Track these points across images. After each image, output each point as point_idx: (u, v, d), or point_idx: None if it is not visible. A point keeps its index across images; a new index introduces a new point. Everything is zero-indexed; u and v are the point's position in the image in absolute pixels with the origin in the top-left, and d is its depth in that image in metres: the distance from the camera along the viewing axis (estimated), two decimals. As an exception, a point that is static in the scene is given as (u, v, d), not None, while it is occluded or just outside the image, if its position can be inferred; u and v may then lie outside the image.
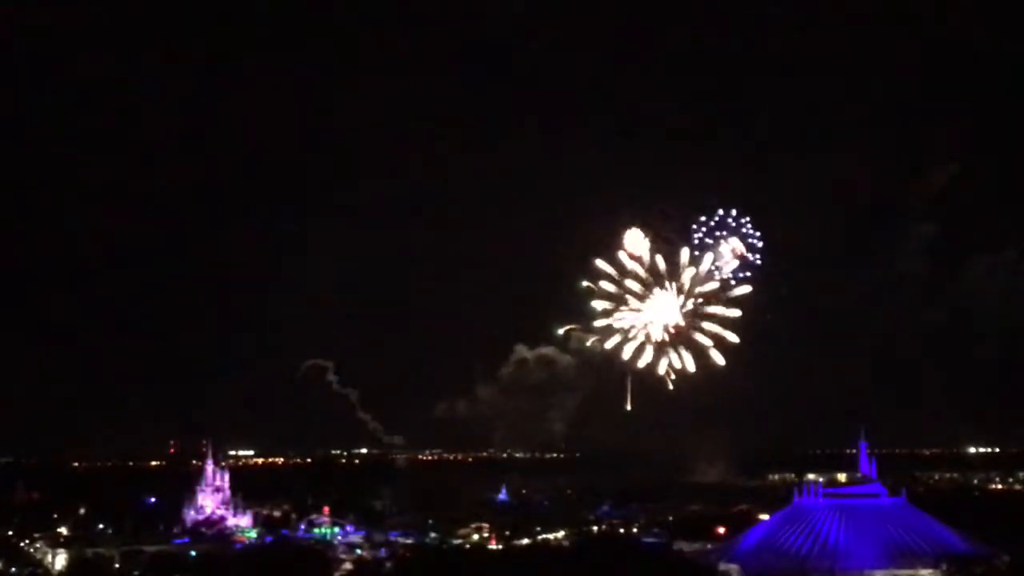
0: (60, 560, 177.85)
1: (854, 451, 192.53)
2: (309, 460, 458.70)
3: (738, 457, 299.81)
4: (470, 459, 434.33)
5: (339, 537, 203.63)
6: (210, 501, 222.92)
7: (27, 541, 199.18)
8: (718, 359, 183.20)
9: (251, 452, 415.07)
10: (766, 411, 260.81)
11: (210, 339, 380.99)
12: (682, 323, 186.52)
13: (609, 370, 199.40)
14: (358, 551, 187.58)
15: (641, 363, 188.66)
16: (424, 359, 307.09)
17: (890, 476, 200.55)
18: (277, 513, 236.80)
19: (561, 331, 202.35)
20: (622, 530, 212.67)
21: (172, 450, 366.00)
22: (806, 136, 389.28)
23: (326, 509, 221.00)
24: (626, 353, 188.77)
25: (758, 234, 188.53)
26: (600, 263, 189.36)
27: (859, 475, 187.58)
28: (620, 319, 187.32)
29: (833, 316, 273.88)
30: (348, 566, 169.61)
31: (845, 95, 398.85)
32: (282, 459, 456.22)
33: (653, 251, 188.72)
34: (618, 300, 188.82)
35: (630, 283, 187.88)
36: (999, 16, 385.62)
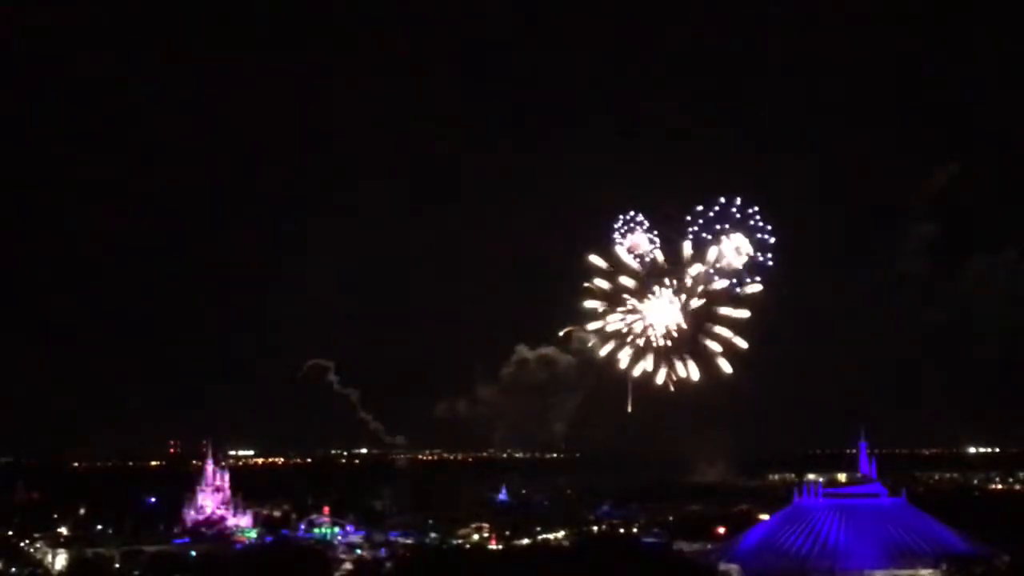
0: (60, 560, 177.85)
1: (854, 451, 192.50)
2: (309, 460, 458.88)
3: (738, 457, 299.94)
4: (470, 459, 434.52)
5: (339, 537, 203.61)
6: (210, 501, 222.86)
7: (27, 541, 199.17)
8: (725, 367, 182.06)
9: (251, 452, 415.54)
10: (766, 411, 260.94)
11: (210, 339, 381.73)
12: (684, 325, 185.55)
13: (610, 371, 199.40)
14: (358, 551, 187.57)
15: (642, 370, 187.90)
16: (425, 359, 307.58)
17: (890, 476, 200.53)
18: (277, 513, 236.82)
19: (561, 332, 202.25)
20: (622, 530, 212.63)
21: (172, 450, 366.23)
22: (806, 136, 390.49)
23: (326, 509, 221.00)
24: (624, 360, 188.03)
25: (768, 228, 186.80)
26: (595, 259, 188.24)
27: (859, 475, 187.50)
28: (618, 321, 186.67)
29: (833, 316, 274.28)
30: (348, 566, 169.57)
31: (845, 95, 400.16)
32: (282, 459, 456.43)
33: (653, 249, 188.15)
34: (616, 301, 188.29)
35: (629, 282, 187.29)
36: (1000, 16, 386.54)
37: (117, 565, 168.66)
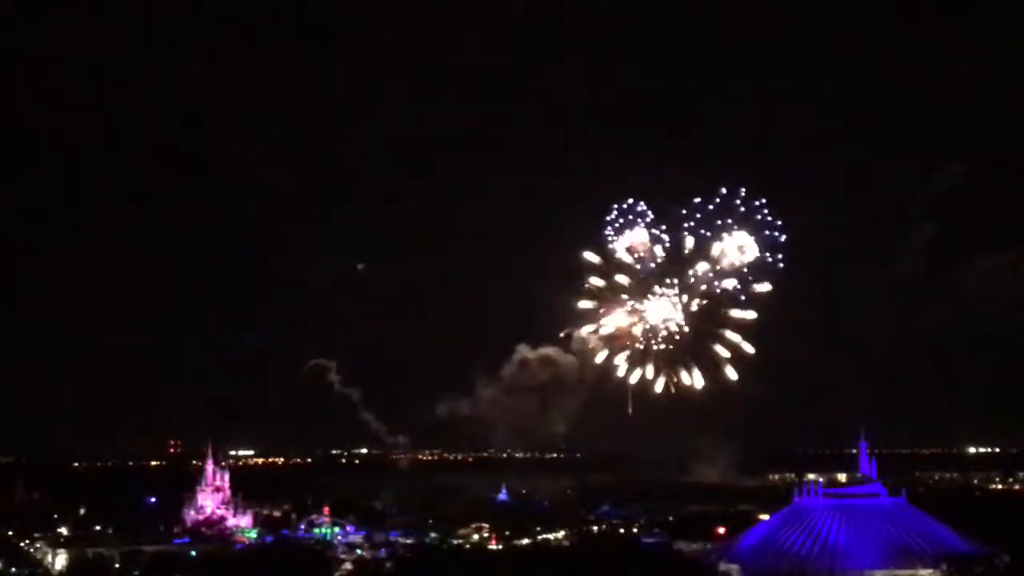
0: (60, 560, 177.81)
1: (854, 451, 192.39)
2: (309, 460, 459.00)
3: (738, 457, 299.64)
4: (470, 459, 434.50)
5: (339, 537, 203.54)
6: (210, 501, 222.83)
7: (27, 541, 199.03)
8: (731, 374, 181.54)
9: (251, 452, 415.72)
10: (766, 411, 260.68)
11: (210, 339, 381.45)
12: (686, 327, 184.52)
13: (609, 376, 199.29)
14: (358, 551, 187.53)
15: (641, 376, 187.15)
16: (426, 359, 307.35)
17: (890, 476, 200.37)
18: (277, 513, 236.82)
19: (562, 334, 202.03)
20: (622, 530, 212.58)
21: (172, 450, 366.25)
22: (806, 136, 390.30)
23: (326, 509, 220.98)
24: (622, 368, 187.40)
25: (778, 223, 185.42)
26: (590, 256, 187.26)
27: (859, 475, 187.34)
28: (615, 324, 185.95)
29: (834, 316, 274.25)
30: (348, 566, 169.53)
31: (846, 96, 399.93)
32: (282, 459, 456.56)
33: (653, 249, 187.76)
34: (613, 302, 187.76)
35: (628, 282, 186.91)
36: (1001, 17, 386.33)
37: (117, 565, 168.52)
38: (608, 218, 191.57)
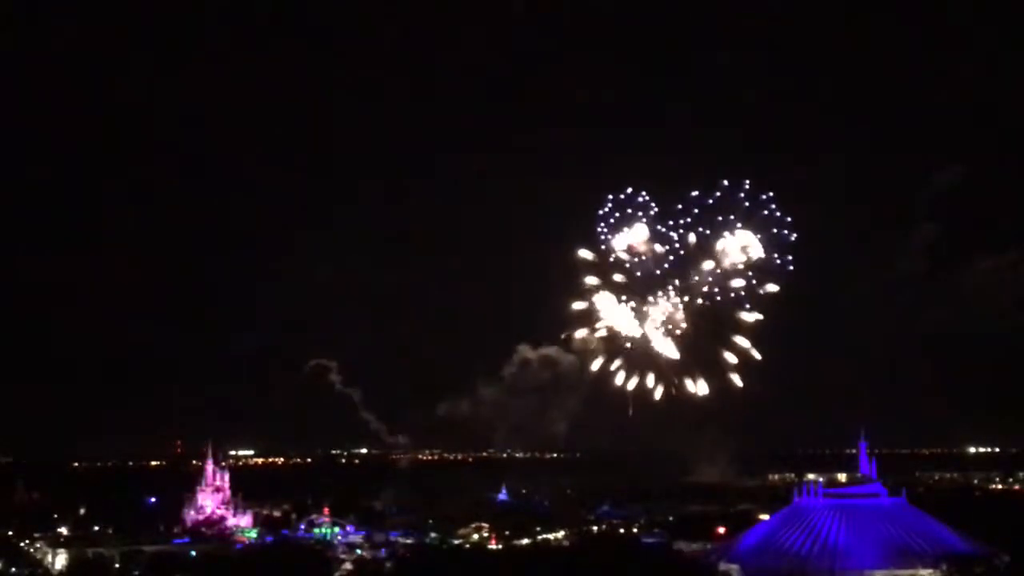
0: (60, 560, 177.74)
1: (854, 451, 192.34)
2: (309, 460, 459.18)
3: (738, 457, 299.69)
4: (470, 459, 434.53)
5: (339, 537, 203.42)
6: (210, 501, 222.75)
7: (27, 541, 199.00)
8: (737, 380, 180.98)
9: (251, 452, 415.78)
10: (766, 411, 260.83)
11: (210, 339, 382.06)
12: (687, 329, 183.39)
13: (610, 376, 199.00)
14: (358, 551, 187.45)
15: (640, 383, 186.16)
16: (427, 359, 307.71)
17: (890, 476, 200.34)
18: (277, 513, 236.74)
19: (563, 335, 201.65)
20: (622, 530, 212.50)
21: (178, 450, 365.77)
22: (806, 137, 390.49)
23: (326, 509, 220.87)
24: (620, 376, 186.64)
25: (788, 219, 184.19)
26: (586, 253, 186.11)
27: (859, 475, 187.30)
28: (614, 326, 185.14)
29: (834, 316, 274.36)
30: (348, 566, 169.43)
31: (846, 96, 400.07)
32: (282, 459, 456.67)
33: (653, 248, 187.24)
34: (612, 304, 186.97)
35: (627, 282, 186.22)
36: (1001, 17, 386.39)
37: (117, 565, 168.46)
38: (604, 210, 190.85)
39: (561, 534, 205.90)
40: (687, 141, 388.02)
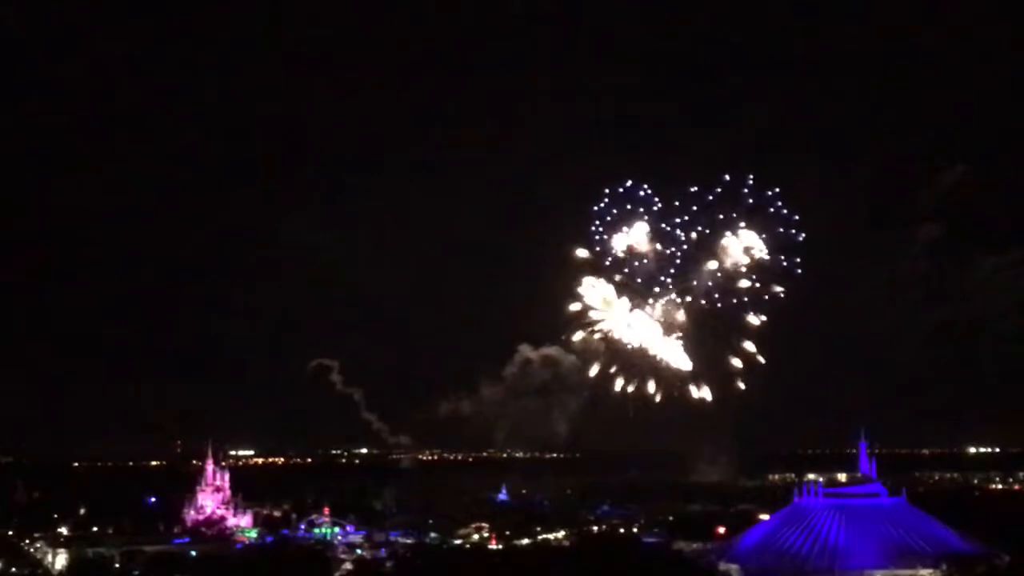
0: (60, 560, 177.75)
1: (854, 451, 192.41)
2: (309, 460, 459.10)
3: (738, 457, 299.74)
4: (470, 459, 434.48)
5: (339, 537, 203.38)
6: (210, 501, 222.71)
7: (27, 541, 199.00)
8: (741, 385, 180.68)
9: (251, 452, 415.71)
10: (766, 411, 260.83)
11: (211, 339, 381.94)
12: (685, 325, 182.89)
13: (611, 378, 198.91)
14: (358, 551, 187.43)
15: (644, 391, 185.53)
16: (428, 359, 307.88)
17: (890, 476, 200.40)
18: (277, 513, 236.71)
19: (563, 336, 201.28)
20: (622, 530, 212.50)
21: (177, 449, 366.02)
22: (808, 137, 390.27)
23: (326, 509, 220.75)
24: (619, 382, 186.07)
25: (795, 217, 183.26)
26: (583, 252, 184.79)
27: (859, 475, 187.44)
28: (613, 329, 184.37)
29: (834, 316, 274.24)
30: (348, 566, 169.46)
31: (848, 97, 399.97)
32: (282, 459, 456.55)
33: (655, 247, 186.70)
34: (610, 305, 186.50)
35: (627, 283, 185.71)
36: (1004, 18, 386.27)
37: (117, 565, 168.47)
38: (602, 204, 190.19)
39: (561, 534, 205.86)
40: (687, 140, 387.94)
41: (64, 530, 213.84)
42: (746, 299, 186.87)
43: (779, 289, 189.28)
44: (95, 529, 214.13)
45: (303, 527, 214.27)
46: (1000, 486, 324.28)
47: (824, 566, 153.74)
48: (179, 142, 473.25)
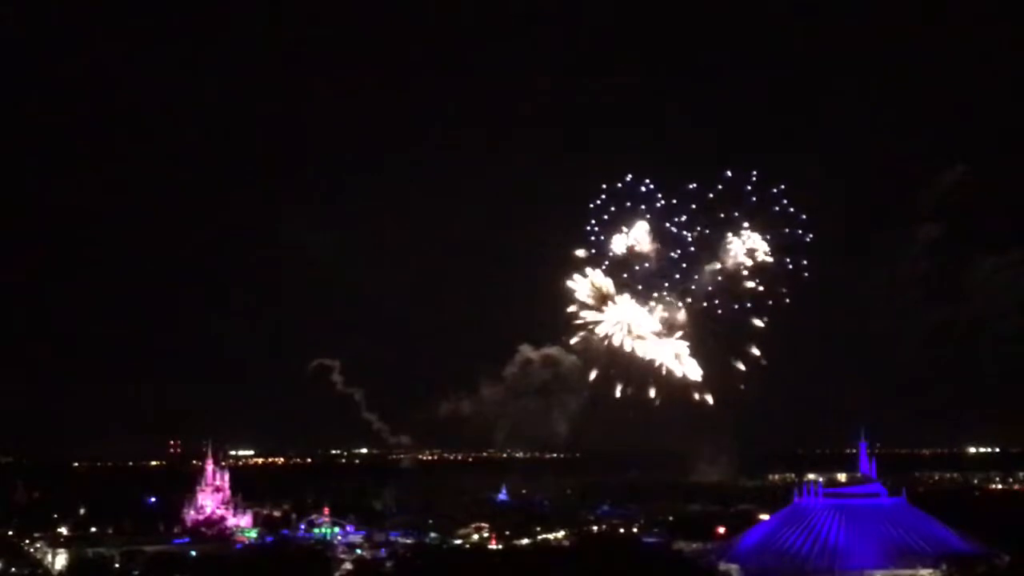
0: (60, 560, 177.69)
1: (854, 451, 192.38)
2: (309, 460, 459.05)
3: (738, 457, 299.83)
4: (470, 459, 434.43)
5: (339, 537, 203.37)
6: (210, 501, 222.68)
7: (27, 541, 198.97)
8: (740, 384, 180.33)
9: (251, 452, 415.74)
10: (766, 411, 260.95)
11: (210, 339, 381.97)
12: (686, 326, 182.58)
13: (611, 380, 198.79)
14: (358, 551, 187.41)
15: (645, 387, 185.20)
16: (428, 359, 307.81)
17: (890, 476, 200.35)
18: (277, 513, 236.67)
19: (564, 337, 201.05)
20: (622, 530, 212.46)
21: (176, 450, 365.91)
22: (806, 137, 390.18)
23: (326, 509, 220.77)
24: (618, 389, 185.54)
25: (802, 216, 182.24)
26: (582, 252, 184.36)
27: (859, 475, 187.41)
28: (611, 331, 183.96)
29: (835, 316, 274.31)
30: (348, 566, 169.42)
31: (848, 97, 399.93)
32: (282, 459, 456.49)
33: (657, 246, 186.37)
34: (610, 305, 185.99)
35: (629, 287, 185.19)
36: (1004, 18, 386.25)
37: (117, 565, 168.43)
38: (600, 200, 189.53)
39: (561, 534, 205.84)
40: (686, 141, 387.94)
41: (64, 530, 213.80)
42: (748, 304, 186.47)
43: (785, 291, 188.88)
44: (95, 529, 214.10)
45: (303, 527, 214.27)
46: (1000, 486, 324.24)
47: (824, 566, 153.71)
48: (179, 142, 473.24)
